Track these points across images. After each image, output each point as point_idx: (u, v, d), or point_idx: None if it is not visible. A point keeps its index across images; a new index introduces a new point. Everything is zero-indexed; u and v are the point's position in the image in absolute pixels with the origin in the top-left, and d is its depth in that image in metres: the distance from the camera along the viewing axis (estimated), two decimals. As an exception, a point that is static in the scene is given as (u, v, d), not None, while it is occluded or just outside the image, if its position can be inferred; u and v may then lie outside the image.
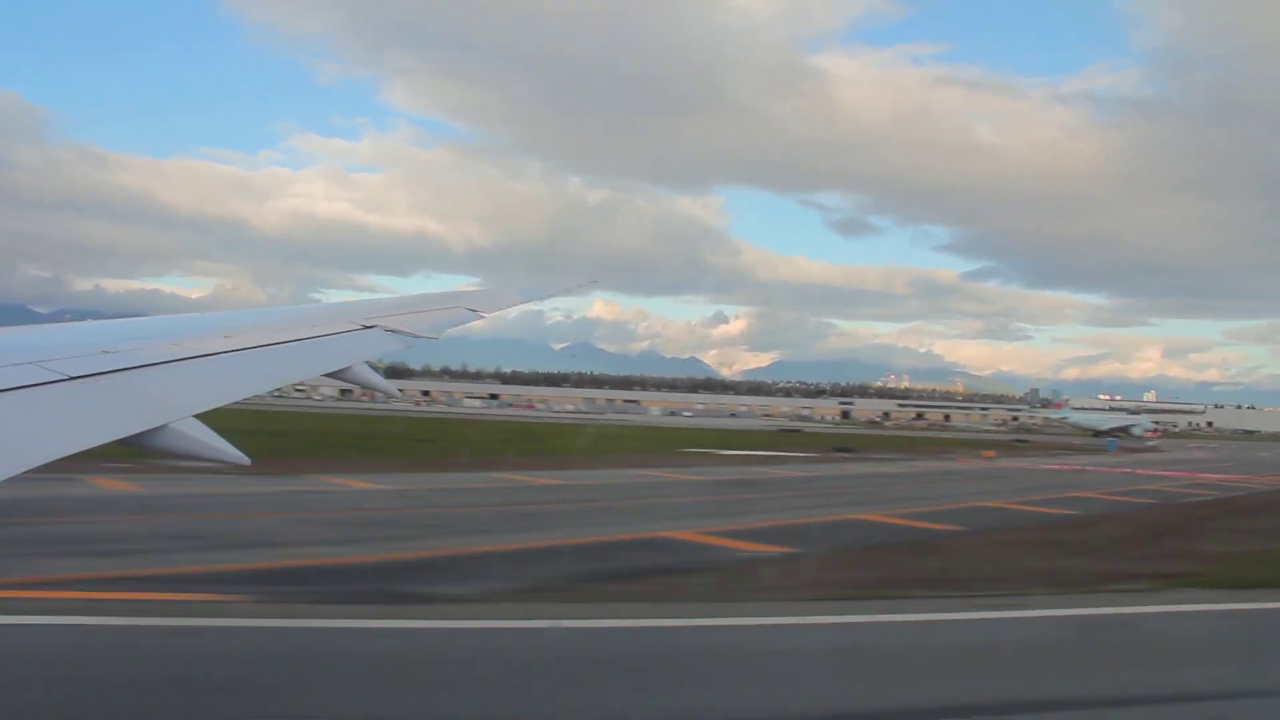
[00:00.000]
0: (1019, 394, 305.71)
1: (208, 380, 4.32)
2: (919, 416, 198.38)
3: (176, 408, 3.72)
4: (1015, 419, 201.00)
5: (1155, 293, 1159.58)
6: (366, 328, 6.22)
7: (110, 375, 3.77)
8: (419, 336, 6.72)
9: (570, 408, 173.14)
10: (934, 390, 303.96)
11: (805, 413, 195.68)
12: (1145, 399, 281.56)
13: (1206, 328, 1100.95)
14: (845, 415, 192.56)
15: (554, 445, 58.76)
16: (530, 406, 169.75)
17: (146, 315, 7.44)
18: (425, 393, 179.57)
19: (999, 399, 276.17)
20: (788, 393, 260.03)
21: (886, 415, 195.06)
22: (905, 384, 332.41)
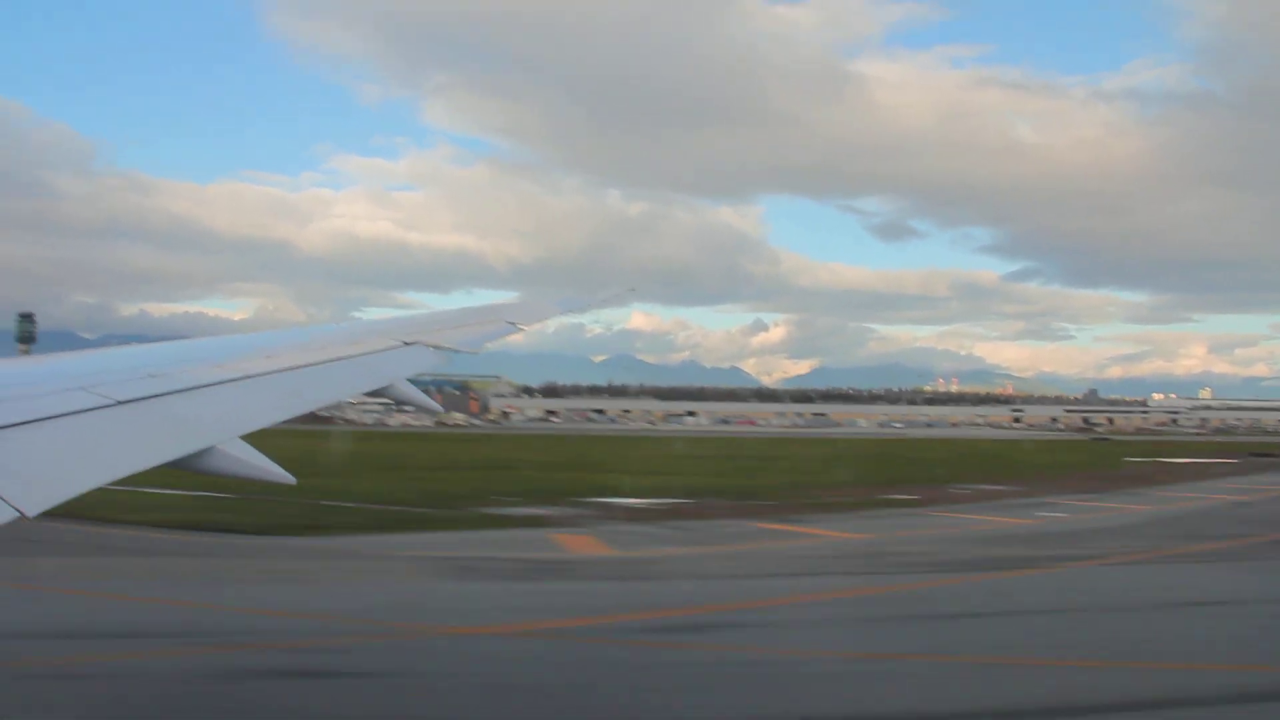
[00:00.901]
0: (1074, 395, 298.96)
1: (252, 401, 4.37)
2: (1085, 421, 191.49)
3: (223, 429, 3.76)
4: (1174, 420, 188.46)
5: (1199, 288, 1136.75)
6: (407, 344, 6.26)
7: (157, 399, 3.81)
8: (459, 351, 6.75)
9: (786, 422, 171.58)
10: (988, 393, 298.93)
11: (979, 420, 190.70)
12: (1200, 396, 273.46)
13: (1252, 322, 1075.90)
14: (1017, 420, 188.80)
15: (1030, 463, 59.03)
16: (751, 422, 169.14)
17: (190, 338, 7.54)
18: (551, 413, 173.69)
19: (1054, 400, 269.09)
20: (826, 398, 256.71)
21: (1055, 420, 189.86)
22: (955, 387, 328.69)
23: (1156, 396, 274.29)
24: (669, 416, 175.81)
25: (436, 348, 6.40)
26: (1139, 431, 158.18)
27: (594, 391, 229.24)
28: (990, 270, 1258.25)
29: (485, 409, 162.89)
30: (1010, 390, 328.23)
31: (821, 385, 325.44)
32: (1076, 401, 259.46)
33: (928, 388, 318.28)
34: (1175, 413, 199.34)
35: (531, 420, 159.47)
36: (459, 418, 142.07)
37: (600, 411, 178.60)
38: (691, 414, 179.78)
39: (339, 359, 5.50)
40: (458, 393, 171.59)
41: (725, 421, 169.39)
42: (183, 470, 3.50)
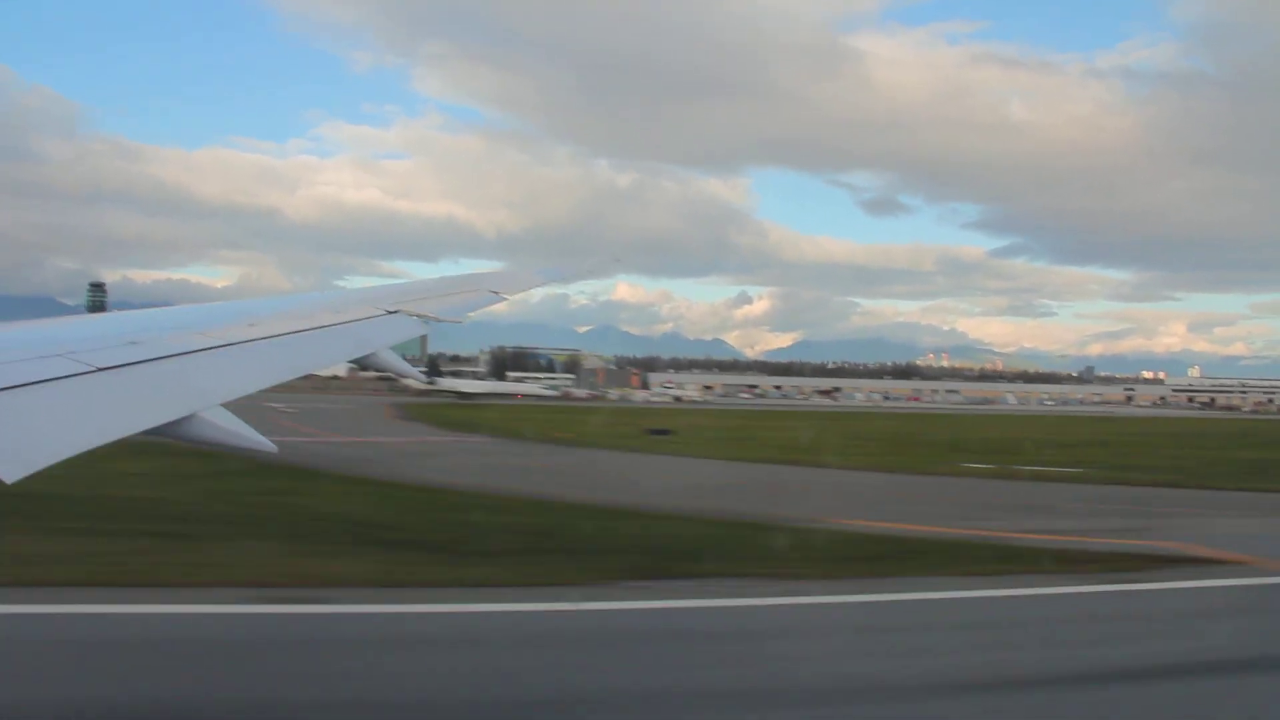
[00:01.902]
0: (1068, 372, 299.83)
1: (234, 369, 4.35)
2: (1191, 400, 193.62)
3: (204, 397, 3.75)
4: (1270, 400, 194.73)
5: (1181, 267, 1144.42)
6: (390, 313, 6.25)
7: (138, 365, 3.80)
8: (442, 320, 6.74)
9: (941, 400, 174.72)
10: (982, 370, 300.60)
11: (1097, 398, 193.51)
12: (1190, 375, 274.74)
13: (1233, 301, 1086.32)
14: (1129, 399, 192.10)
15: None
16: (917, 399, 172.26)
17: (173, 305, 7.49)
18: (708, 388, 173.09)
19: (1046, 377, 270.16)
20: (808, 372, 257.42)
21: (1163, 400, 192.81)
22: (945, 362, 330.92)
23: (1146, 375, 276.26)
24: (816, 392, 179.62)
25: (419, 317, 6.39)
26: None
27: (692, 365, 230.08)
28: (977, 246, 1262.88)
29: (645, 385, 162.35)
30: (1000, 366, 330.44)
31: (805, 359, 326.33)
32: (1072, 379, 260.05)
33: (919, 362, 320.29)
34: (1273, 392, 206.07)
35: (717, 396, 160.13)
36: (688, 394, 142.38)
37: (754, 387, 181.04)
38: (838, 389, 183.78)
39: (321, 327, 5.49)
40: (616, 369, 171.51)
41: (886, 397, 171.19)
42: (163, 437, 3.49)
